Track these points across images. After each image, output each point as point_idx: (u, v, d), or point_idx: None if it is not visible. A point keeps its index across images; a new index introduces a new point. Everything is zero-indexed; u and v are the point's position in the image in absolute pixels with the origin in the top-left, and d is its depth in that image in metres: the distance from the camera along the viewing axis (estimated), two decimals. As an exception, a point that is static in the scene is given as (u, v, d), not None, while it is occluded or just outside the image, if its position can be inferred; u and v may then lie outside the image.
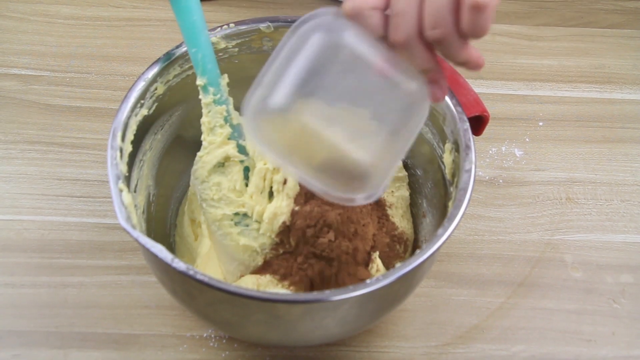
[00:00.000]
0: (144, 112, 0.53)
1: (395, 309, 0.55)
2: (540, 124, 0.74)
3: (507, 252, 0.64)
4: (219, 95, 0.52)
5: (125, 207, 0.46)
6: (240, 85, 0.60)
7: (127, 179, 0.50)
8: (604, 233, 0.66)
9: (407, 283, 0.49)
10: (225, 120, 0.53)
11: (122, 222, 0.45)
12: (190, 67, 0.56)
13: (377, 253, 0.55)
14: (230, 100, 0.54)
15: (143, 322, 0.58)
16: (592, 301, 0.61)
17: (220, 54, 0.57)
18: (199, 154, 0.54)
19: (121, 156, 0.49)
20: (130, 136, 0.51)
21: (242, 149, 0.54)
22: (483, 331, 0.59)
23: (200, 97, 0.53)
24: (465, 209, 0.47)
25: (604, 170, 0.70)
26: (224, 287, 0.43)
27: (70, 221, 0.63)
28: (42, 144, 0.68)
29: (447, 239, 0.46)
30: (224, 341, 0.57)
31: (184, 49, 0.54)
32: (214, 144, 0.53)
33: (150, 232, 0.55)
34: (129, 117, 0.51)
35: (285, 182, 0.53)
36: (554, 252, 0.64)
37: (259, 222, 0.53)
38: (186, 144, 0.60)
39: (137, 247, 0.58)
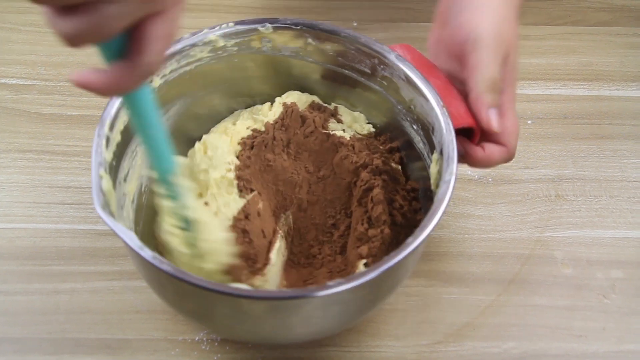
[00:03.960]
0: None
1: (360, 319, 0.56)
2: (529, 122, 0.74)
3: (497, 250, 0.64)
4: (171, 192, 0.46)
5: (104, 194, 0.46)
6: (240, 85, 0.61)
7: (116, 168, 0.51)
8: (593, 229, 0.66)
9: (376, 289, 0.49)
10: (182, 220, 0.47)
11: (98, 208, 0.45)
12: (188, 63, 0.56)
13: (364, 261, 0.54)
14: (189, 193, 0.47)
15: (135, 326, 0.58)
16: (583, 297, 0.62)
17: (219, 52, 0.57)
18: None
19: (107, 145, 0.49)
20: (120, 126, 0.51)
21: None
22: (474, 329, 0.59)
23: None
24: (440, 219, 0.46)
25: (592, 166, 0.71)
26: (186, 278, 0.43)
27: (62, 228, 0.64)
28: (33, 153, 0.69)
29: (415, 248, 0.45)
30: (216, 344, 0.58)
31: (180, 44, 0.55)
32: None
33: (139, 221, 0.56)
34: (120, 108, 0.51)
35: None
36: (544, 249, 0.64)
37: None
38: (184, 138, 0.61)
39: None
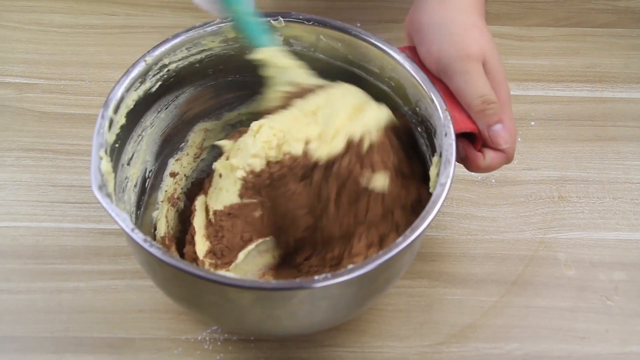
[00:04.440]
0: (145, 88, 0.54)
1: (351, 316, 0.56)
2: (532, 123, 0.74)
3: (500, 251, 0.64)
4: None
5: (102, 175, 0.47)
6: (250, 76, 0.60)
7: (119, 151, 0.51)
8: (596, 231, 0.66)
9: (365, 286, 0.49)
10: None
11: (94, 188, 0.45)
12: (199, 52, 0.57)
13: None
14: None
15: (138, 326, 0.58)
16: (586, 299, 0.62)
17: (230, 43, 0.57)
18: None
19: (110, 127, 0.50)
20: (124, 109, 0.52)
21: None
22: (477, 330, 0.59)
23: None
24: (432, 221, 0.46)
25: (596, 168, 0.71)
26: (174, 262, 0.44)
27: (65, 227, 0.64)
28: (36, 151, 0.69)
29: (405, 248, 0.45)
30: (219, 344, 0.58)
31: (192, 33, 0.55)
32: None
33: (140, 204, 0.57)
34: (126, 90, 0.52)
35: None
36: (547, 251, 0.64)
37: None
38: (191, 127, 0.62)
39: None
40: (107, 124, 0.50)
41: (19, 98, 0.73)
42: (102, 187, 0.46)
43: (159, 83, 0.55)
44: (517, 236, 0.65)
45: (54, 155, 0.69)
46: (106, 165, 0.48)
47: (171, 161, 0.62)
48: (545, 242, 0.65)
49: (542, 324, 0.60)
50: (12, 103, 0.73)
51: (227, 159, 0.56)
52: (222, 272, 0.53)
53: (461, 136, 0.52)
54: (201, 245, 0.55)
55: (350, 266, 0.44)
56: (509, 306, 0.61)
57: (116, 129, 0.51)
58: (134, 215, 0.55)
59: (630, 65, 0.80)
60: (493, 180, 0.69)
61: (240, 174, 0.54)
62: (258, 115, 0.63)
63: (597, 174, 0.70)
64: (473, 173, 0.68)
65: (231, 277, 0.49)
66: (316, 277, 0.43)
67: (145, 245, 0.44)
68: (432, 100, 0.53)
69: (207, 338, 0.58)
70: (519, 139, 0.72)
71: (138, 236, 0.44)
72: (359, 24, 0.82)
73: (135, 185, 0.56)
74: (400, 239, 0.45)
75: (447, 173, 0.49)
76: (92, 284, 0.60)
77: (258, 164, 0.53)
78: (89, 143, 0.69)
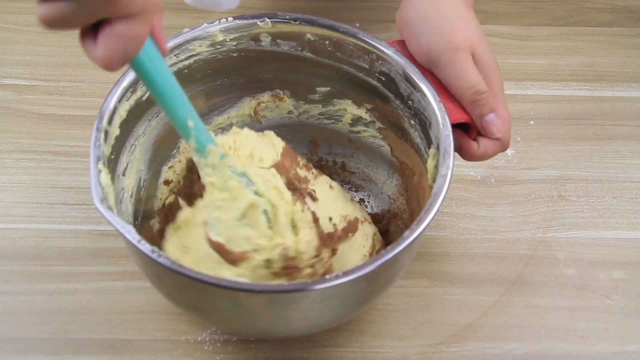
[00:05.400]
0: (136, 97, 0.54)
1: (356, 313, 0.56)
2: (532, 122, 0.74)
3: (499, 250, 0.64)
4: (221, 151, 0.49)
5: (102, 188, 0.46)
6: (238, 78, 0.61)
7: (115, 162, 0.51)
8: (596, 230, 0.66)
9: (373, 282, 0.49)
10: (233, 171, 0.49)
11: (96, 202, 0.45)
12: (187, 58, 0.56)
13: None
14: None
15: (137, 327, 0.58)
16: (585, 298, 0.62)
17: (218, 47, 0.57)
18: (214, 215, 0.49)
19: (106, 138, 0.50)
20: (118, 120, 0.51)
21: (258, 193, 0.50)
22: (476, 330, 0.59)
23: (196, 160, 0.49)
24: (436, 213, 0.46)
25: (595, 167, 0.71)
26: (183, 271, 0.44)
27: (65, 228, 0.64)
28: (35, 153, 0.69)
29: (412, 242, 0.45)
30: (219, 344, 0.58)
31: (179, 39, 0.55)
32: (228, 200, 0.49)
33: (138, 215, 0.56)
34: (118, 101, 0.51)
35: (302, 210, 0.51)
36: (547, 250, 0.64)
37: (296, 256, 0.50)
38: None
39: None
40: (102, 135, 0.49)
41: (18, 100, 0.73)
42: (103, 199, 0.46)
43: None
44: (517, 235, 0.65)
45: (53, 157, 0.69)
46: (105, 177, 0.48)
47: (164, 169, 0.61)
48: (544, 241, 0.65)
49: (541, 323, 0.60)
50: (11, 105, 0.73)
51: None
52: (233, 277, 0.53)
53: (455, 126, 0.53)
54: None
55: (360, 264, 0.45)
56: (508, 305, 0.61)
57: (111, 140, 0.51)
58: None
59: (629, 64, 0.80)
60: (492, 180, 0.69)
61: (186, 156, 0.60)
62: (248, 118, 0.64)
63: (596, 173, 0.70)
64: (472, 172, 0.69)
65: (243, 282, 0.50)
66: (327, 276, 0.44)
67: (154, 256, 0.44)
68: (425, 93, 0.53)
69: (207, 339, 0.58)
70: (517, 138, 0.72)
71: (145, 247, 0.44)
72: (357, 24, 0.82)
73: (131, 196, 0.55)
74: (407, 232, 0.46)
75: (447, 164, 0.49)
76: (92, 285, 0.60)
77: None
78: (88, 144, 0.68)
